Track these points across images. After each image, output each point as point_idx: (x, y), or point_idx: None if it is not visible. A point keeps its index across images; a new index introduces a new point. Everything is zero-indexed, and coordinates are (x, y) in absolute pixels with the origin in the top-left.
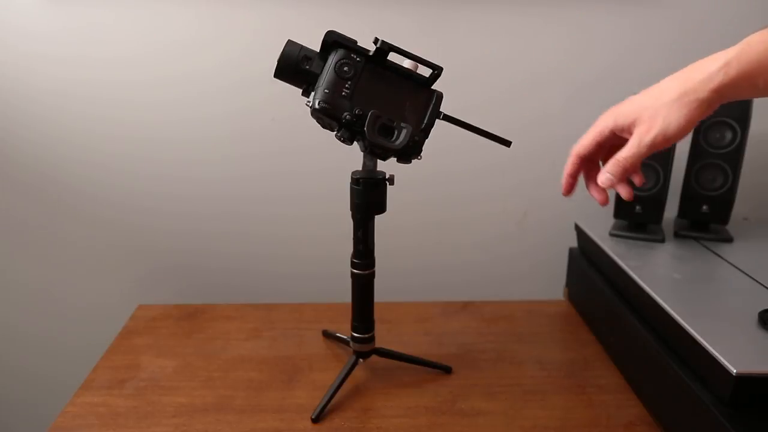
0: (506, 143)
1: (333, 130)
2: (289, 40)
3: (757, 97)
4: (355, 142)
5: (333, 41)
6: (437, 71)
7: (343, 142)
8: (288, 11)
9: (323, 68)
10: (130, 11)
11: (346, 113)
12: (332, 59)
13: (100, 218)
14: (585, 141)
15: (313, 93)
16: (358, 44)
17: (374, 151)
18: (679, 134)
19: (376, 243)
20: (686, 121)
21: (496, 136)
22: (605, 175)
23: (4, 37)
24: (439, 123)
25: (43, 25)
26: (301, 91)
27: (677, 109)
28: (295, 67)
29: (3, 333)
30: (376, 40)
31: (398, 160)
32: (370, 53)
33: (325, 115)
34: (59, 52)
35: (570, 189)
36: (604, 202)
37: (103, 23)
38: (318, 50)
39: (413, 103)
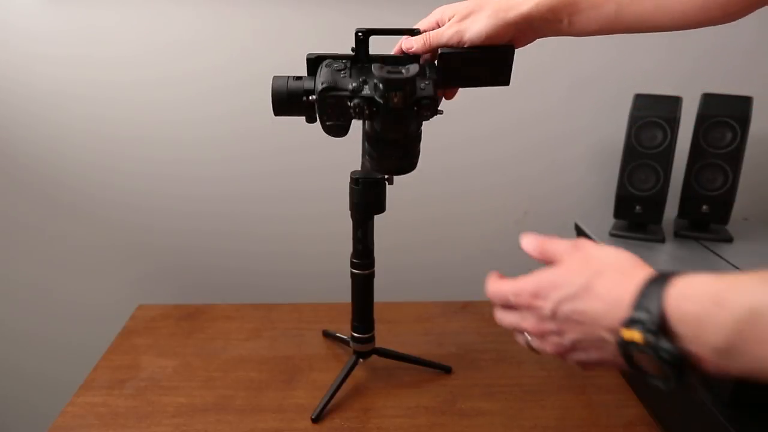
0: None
1: (345, 122)
2: (273, 76)
3: (563, 34)
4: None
5: (316, 57)
6: (418, 35)
7: (359, 113)
8: (288, 11)
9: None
10: (130, 11)
11: (351, 83)
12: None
13: (100, 218)
14: (425, 20)
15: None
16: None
17: (392, 105)
18: (475, 41)
19: (376, 242)
20: (486, 34)
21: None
22: (410, 40)
23: (4, 37)
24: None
25: (44, 26)
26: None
27: (485, 18)
28: (288, 95)
29: (3, 333)
30: (356, 33)
31: (419, 112)
32: (353, 53)
33: (331, 92)
34: (59, 53)
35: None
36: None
37: (103, 24)
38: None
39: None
